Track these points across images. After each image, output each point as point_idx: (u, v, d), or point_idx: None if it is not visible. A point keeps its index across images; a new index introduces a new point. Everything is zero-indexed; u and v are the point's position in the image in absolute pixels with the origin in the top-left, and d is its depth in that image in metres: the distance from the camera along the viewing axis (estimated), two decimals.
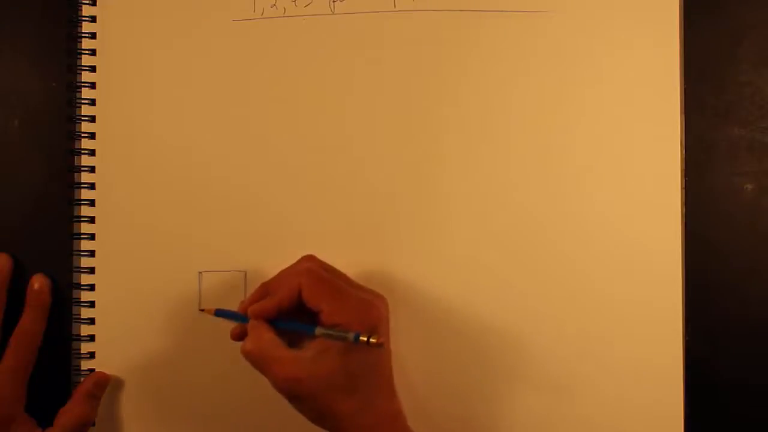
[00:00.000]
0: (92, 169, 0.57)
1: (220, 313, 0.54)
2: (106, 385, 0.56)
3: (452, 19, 0.55)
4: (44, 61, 0.57)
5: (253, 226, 0.56)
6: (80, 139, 0.57)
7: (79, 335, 0.56)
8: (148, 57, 0.57)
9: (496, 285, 0.54)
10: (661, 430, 0.53)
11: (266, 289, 0.51)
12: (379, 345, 0.47)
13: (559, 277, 0.54)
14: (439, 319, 0.55)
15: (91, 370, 0.56)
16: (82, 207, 0.56)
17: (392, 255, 0.55)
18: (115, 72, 0.57)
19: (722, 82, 0.54)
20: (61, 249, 0.56)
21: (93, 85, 0.57)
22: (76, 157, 0.57)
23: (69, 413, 0.54)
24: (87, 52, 0.57)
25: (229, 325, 0.52)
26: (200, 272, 0.56)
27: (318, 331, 0.48)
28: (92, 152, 0.57)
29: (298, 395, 0.48)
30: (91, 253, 0.56)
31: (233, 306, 0.52)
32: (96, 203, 0.57)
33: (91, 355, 0.56)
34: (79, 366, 0.56)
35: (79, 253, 0.56)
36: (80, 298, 0.56)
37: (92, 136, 0.57)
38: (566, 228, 0.54)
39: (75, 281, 0.56)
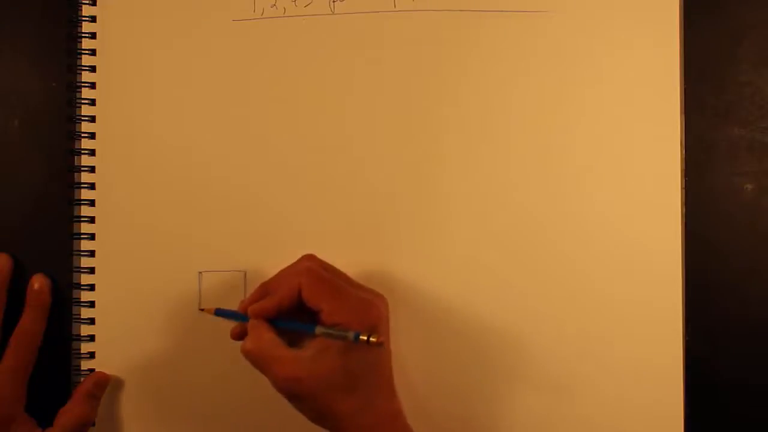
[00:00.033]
0: (92, 169, 0.57)
1: (220, 312, 0.54)
2: (106, 385, 0.56)
3: (452, 19, 0.55)
4: (44, 61, 0.57)
5: (253, 226, 0.56)
6: (80, 139, 0.57)
7: (79, 335, 0.56)
8: (148, 57, 0.57)
9: (496, 285, 0.54)
10: (661, 430, 0.53)
11: (266, 288, 0.51)
12: (379, 344, 0.47)
13: (559, 277, 0.54)
14: (439, 319, 0.55)
15: (91, 370, 0.56)
16: (82, 207, 0.56)
17: (392, 255, 0.55)
18: (115, 72, 0.57)
19: (722, 82, 0.54)
20: (61, 249, 0.56)
21: (93, 85, 0.57)
22: (76, 157, 0.57)
23: (69, 413, 0.54)
24: (87, 52, 0.57)
25: (229, 325, 0.52)
26: (200, 272, 0.56)
27: (318, 330, 0.48)
28: (92, 152, 0.57)
29: (298, 395, 0.48)
30: (91, 253, 0.56)
31: (233, 306, 0.52)
32: (96, 203, 0.57)
33: (91, 355, 0.56)
34: (79, 366, 0.56)
35: (79, 253, 0.56)
36: (80, 298, 0.56)
37: (92, 136, 0.57)
38: (566, 228, 0.54)
39: (75, 281, 0.56)
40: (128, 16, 0.57)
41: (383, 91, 0.55)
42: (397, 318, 0.53)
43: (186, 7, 0.57)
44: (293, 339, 0.50)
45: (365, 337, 0.46)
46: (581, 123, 0.54)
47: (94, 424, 0.56)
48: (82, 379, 0.56)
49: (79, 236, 0.56)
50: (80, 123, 0.57)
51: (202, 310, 0.55)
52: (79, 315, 0.56)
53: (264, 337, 0.49)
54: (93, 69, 0.57)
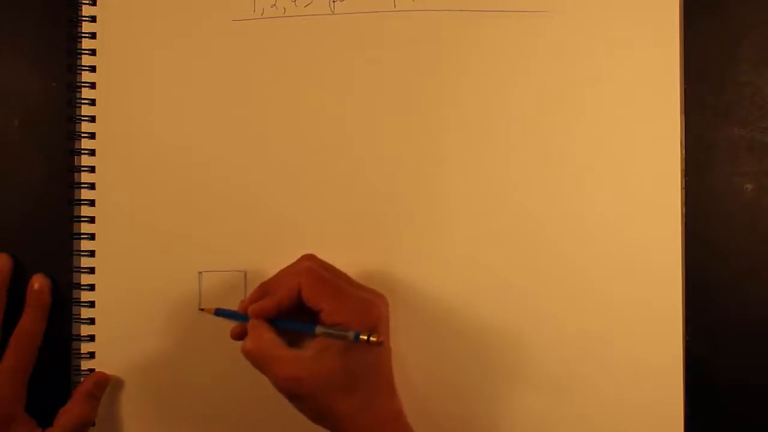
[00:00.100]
0: (92, 169, 0.57)
1: (220, 312, 0.54)
2: (106, 385, 0.56)
3: (452, 19, 0.55)
4: (44, 61, 0.57)
5: (253, 226, 0.56)
6: (80, 139, 0.57)
7: (79, 335, 0.56)
8: (148, 57, 0.57)
9: (496, 285, 0.54)
10: (661, 430, 0.53)
11: (266, 288, 0.51)
12: (379, 344, 0.47)
13: (559, 277, 0.54)
14: (439, 319, 0.55)
15: (91, 370, 0.56)
16: (82, 207, 0.57)
17: (392, 255, 0.55)
18: (115, 72, 0.57)
19: (722, 82, 0.54)
20: (61, 249, 0.56)
21: (93, 85, 0.57)
22: (76, 157, 0.57)
23: (69, 413, 0.54)
24: (87, 52, 0.57)
25: (229, 325, 0.52)
26: (200, 272, 0.56)
27: (318, 330, 0.48)
28: (92, 152, 0.57)
29: (298, 395, 0.48)
30: (91, 253, 0.56)
31: (233, 306, 0.52)
32: (96, 203, 0.57)
33: (91, 355, 0.56)
34: (79, 366, 0.56)
35: (79, 253, 0.56)
36: (80, 298, 0.56)
37: (92, 136, 0.57)
38: (566, 228, 0.54)
39: (75, 281, 0.56)
40: (128, 16, 0.57)
41: (383, 91, 0.55)
42: (397, 318, 0.53)
43: (186, 7, 0.57)
44: (293, 339, 0.50)
45: (365, 337, 0.46)
46: (581, 123, 0.54)
47: (94, 424, 0.56)
48: (82, 379, 0.56)
49: (79, 236, 0.56)
50: (80, 123, 0.57)
51: (202, 310, 0.55)
52: (79, 315, 0.56)
53: (264, 337, 0.49)
54: (93, 69, 0.57)
